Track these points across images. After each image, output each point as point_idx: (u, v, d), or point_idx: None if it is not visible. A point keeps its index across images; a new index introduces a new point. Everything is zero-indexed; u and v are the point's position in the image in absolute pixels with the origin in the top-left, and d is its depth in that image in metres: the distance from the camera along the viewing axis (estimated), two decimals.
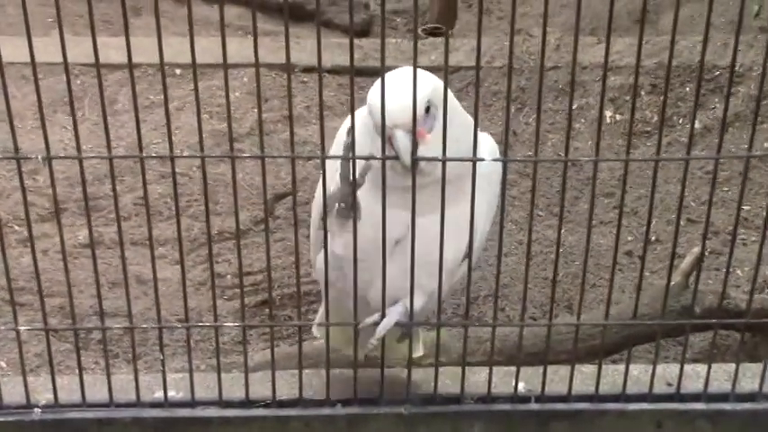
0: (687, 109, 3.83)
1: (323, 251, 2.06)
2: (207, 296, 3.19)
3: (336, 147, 2.14)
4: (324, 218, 2.04)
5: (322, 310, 2.47)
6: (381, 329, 2.09)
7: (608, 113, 3.84)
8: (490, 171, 2.04)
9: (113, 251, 3.25)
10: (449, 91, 1.94)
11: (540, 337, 2.54)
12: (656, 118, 3.84)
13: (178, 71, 4.08)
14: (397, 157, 1.92)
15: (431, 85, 1.94)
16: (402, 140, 1.91)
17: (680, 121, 3.83)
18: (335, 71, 4.14)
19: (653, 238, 3.33)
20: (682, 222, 3.50)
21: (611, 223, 3.39)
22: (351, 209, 2.00)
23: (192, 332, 3.16)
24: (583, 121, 3.85)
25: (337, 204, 2.01)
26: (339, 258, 2.06)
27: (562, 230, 3.52)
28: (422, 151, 1.91)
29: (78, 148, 1.93)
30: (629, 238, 3.36)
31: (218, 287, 3.30)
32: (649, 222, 2.04)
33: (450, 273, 2.12)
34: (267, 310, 3.17)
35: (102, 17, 4.68)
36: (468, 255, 2.03)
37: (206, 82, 3.99)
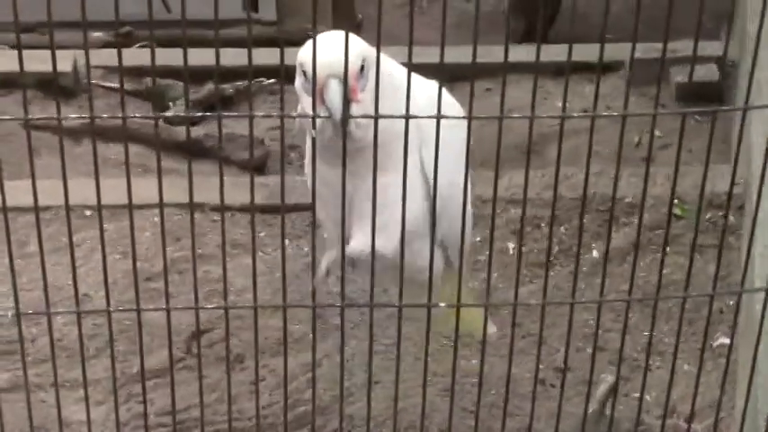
0: (586, 239, 4.00)
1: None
2: None
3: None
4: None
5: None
6: (324, 264, 2.11)
7: (511, 245, 3.98)
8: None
9: (35, 394, 3.24)
10: (384, 55, 1.94)
11: None
12: (557, 248, 4.00)
13: (88, 212, 4.11)
14: (328, 116, 1.91)
15: (364, 44, 2.00)
16: (334, 91, 1.92)
17: (581, 251, 3.99)
18: (245, 209, 4.22)
19: (563, 366, 3.44)
20: (589, 349, 3.63)
21: (522, 352, 3.49)
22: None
23: None
24: (486, 252, 3.98)
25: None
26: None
27: (473, 361, 3.63)
28: (354, 111, 1.92)
29: (47, 302, 1.95)
30: (541, 366, 3.46)
31: (140, 427, 3.30)
32: (567, 352, 2.15)
33: (422, 227, 2.18)
34: None
35: None
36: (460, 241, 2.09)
37: (117, 222, 4.03)
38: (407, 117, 1.83)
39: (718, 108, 2.33)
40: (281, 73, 1.80)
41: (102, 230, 1.97)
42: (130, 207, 2.02)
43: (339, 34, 1.92)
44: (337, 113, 1.91)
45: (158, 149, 1.94)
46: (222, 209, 1.97)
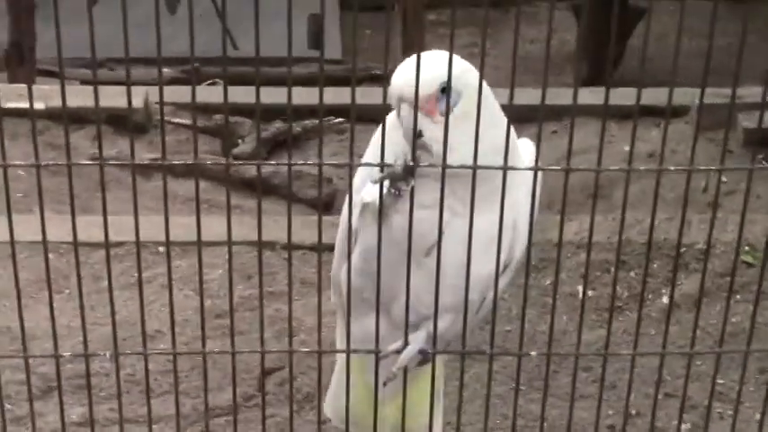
0: (656, 285, 3.99)
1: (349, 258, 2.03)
2: None
3: (372, 149, 2.15)
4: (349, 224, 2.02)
5: (331, 390, 2.45)
6: (404, 358, 2.06)
7: (581, 289, 3.97)
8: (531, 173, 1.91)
9: (108, 429, 3.28)
10: (486, 87, 1.91)
11: None
12: (626, 294, 3.99)
13: (161, 248, 4.16)
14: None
15: (455, 67, 1.86)
16: (406, 115, 1.91)
17: (649, 297, 3.97)
18: (316, 248, 4.24)
19: (633, 412, 3.43)
20: (660, 396, 3.61)
21: (590, 397, 3.48)
22: (407, 177, 1.96)
23: None
24: (557, 296, 3.98)
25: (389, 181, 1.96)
26: (370, 252, 1.96)
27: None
28: (430, 128, 1.91)
29: (144, 343, 2.00)
30: (610, 412, 3.45)
31: None
32: (655, 404, 2.14)
33: (486, 286, 2.09)
34: None
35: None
36: (496, 272, 1.93)
37: (189, 259, 4.08)
38: (475, 167, 1.82)
39: None
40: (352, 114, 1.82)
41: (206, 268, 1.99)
42: (230, 244, 2.06)
43: (434, 56, 1.93)
44: (410, 134, 1.91)
45: (260, 194, 1.98)
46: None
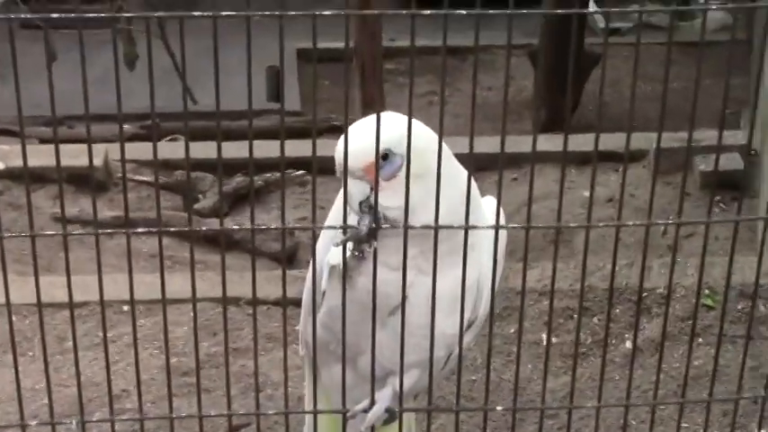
0: (618, 330, 4.02)
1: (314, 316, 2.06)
2: None
3: (335, 211, 2.16)
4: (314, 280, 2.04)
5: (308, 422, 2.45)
6: (371, 418, 2.06)
7: (544, 336, 4.00)
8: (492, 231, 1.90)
9: None
10: (435, 144, 1.86)
11: None
12: (590, 340, 4.02)
13: (125, 308, 4.14)
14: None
15: (392, 132, 1.89)
16: (349, 187, 1.88)
17: (612, 342, 4.00)
18: (280, 303, 4.25)
19: None
20: None
21: None
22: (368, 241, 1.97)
23: None
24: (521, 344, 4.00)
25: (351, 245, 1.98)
26: (336, 310, 1.97)
27: None
28: (381, 198, 1.89)
29: (111, 407, 1.98)
30: None
31: None
32: None
33: (452, 343, 2.07)
34: None
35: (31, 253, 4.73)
36: (460, 326, 1.91)
37: (153, 318, 4.07)
38: (436, 227, 1.83)
39: None
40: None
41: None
42: (194, 301, 2.07)
43: (375, 121, 1.83)
44: (352, 205, 1.93)
45: (223, 254, 1.99)
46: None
